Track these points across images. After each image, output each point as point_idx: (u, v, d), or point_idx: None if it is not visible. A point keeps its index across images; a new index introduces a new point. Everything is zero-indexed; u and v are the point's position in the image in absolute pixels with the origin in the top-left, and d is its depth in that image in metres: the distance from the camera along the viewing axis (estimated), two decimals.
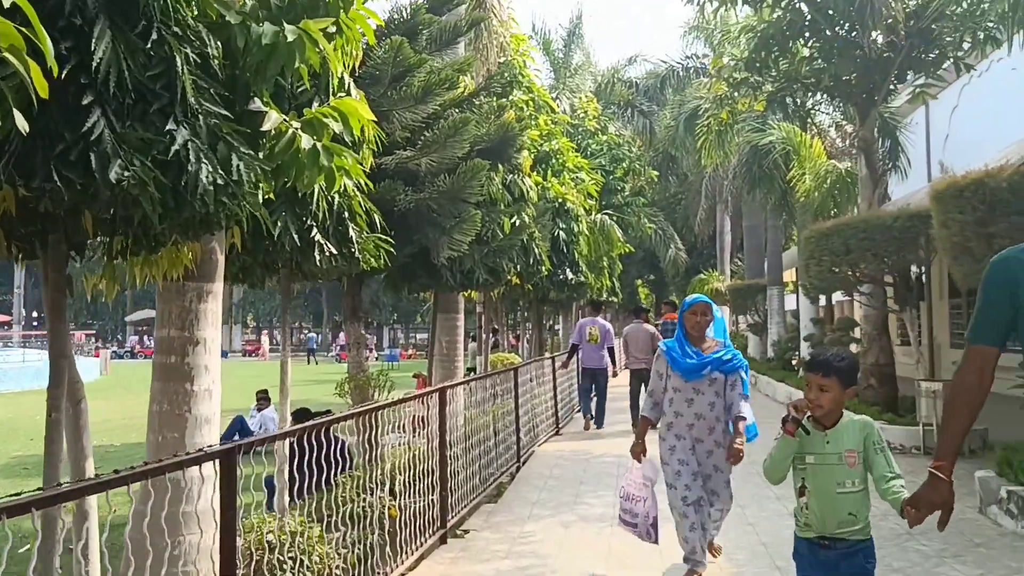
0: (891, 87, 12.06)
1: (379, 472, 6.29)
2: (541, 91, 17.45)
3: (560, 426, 13.53)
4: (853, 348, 13.93)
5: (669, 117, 23.63)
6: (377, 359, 45.18)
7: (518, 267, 12.52)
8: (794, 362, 19.58)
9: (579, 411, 15.19)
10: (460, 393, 9.25)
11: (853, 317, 14.46)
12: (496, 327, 22.20)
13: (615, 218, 22.70)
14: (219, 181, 4.13)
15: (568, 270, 16.60)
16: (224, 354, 41.09)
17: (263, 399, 14.69)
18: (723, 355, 5.63)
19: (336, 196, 6.65)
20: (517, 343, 23.00)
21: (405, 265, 9.64)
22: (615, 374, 14.00)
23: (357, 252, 6.90)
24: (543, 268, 13.29)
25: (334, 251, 6.64)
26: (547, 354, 17.91)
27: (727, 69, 12.84)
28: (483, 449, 8.71)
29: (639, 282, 48.66)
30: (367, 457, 6.33)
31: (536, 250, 13.07)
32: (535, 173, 16.25)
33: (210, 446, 4.61)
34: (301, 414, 9.48)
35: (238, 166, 4.29)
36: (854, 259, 10.32)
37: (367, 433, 6.28)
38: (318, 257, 6.52)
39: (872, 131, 12.50)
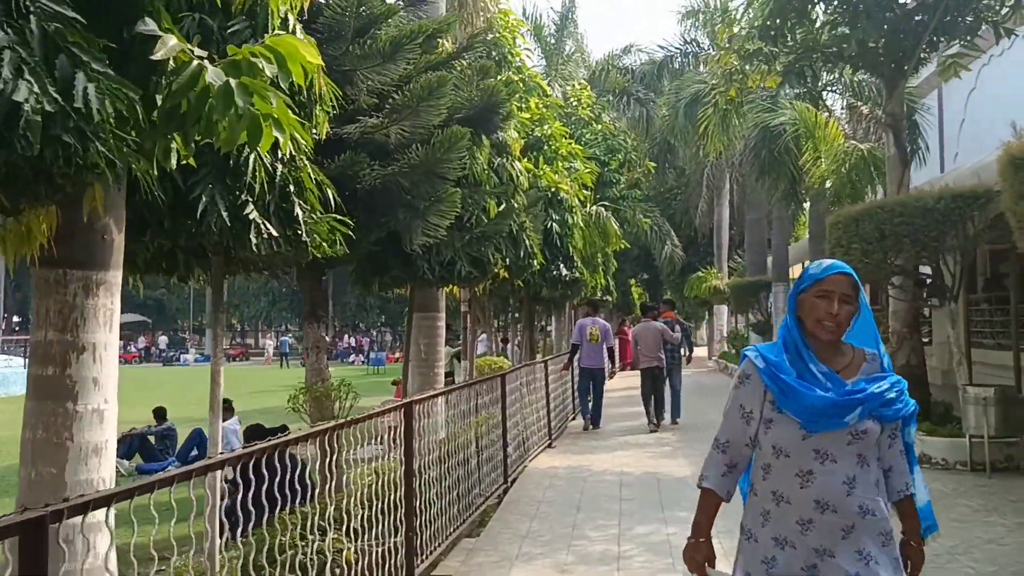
0: (922, 55, 10.76)
1: (332, 508, 4.96)
2: (532, 72, 16.12)
3: (553, 437, 12.20)
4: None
5: (667, 105, 22.31)
6: (364, 363, 43.73)
7: (507, 260, 11.22)
8: None
9: (573, 419, 14.30)
10: (440, 405, 7.93)
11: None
12: (498, 329, 20.92)
13: (611, 211, 21.40)
14: (48, 107, 2.80)
15: (562, 265, 15.27)
16: (207, 359, 39.65)
17: (226, 409, 13.28)
18: (883, 386, 2.70)
19: (279, 166, 5.35)
20: (507, 346, 21.64)
21: (374, 255, 8.32)
22: (613, 375, 13.65)
23: (305, 235, 5.56)
24: (535, 262, 11.97)
25: (275, 233, 5.29)
26: (539, 357, 16.60)
27: (739, 39, 11.51)
28: (464, 471, 7.37)
29: (632, 281, 47.38)
30: (329, 486, 5.03)
31: (527, 241, 11.76)
32: (526, 160, 14.93)
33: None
34: (255, 432, 8.13)
35: (86, 90, 2.95)
36: (889, 246, 9.02)
37: (328, 458, 4.97)
38: (254, 240, 5.16)
39: (901, 105, 11.22)
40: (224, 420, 13.00)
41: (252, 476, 4.00)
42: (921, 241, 8.81)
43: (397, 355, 52.39)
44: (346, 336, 59.73)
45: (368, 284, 8.82)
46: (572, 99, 23.03)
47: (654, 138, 26.38)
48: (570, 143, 16.59)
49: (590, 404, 13.52)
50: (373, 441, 5.52)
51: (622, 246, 25.61)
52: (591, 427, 13.37)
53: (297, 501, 4.55)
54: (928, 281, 9.88)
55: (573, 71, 26.68)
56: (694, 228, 30.96)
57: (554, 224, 15.08)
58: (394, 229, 7.33)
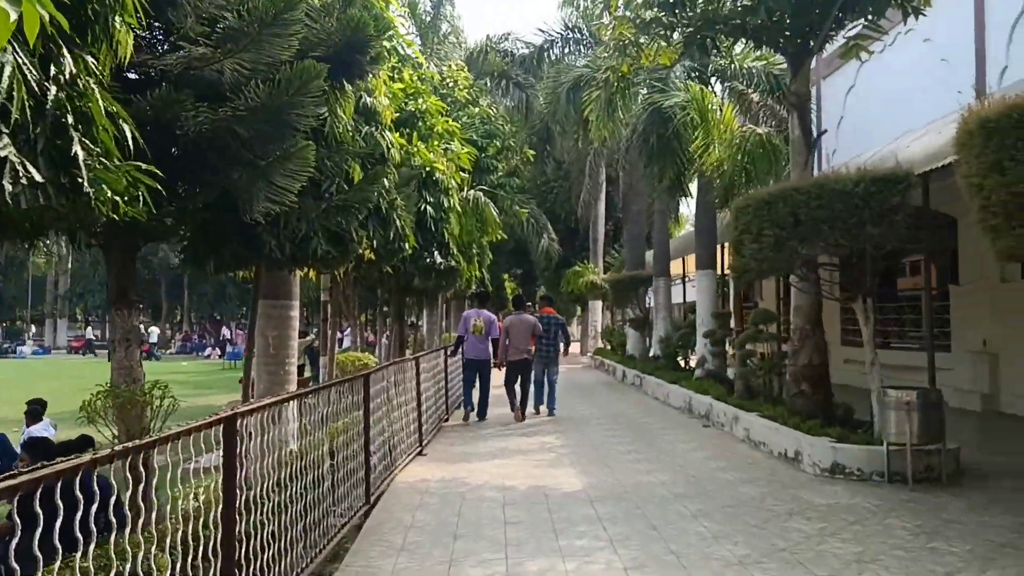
0: (831, 31, 9.98)
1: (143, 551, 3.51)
2: (407, 40, 14.67)
3: (425, 443, 10.83)
4: (775, 347, 11.89)
5: (548, 90, 21.26)
6: (221, 357, 40.96)
7: (374, 240, 9.79)
8: (690, 362, 17.58)
9: (445, 420, 12.92)
10: (291, 411, 6.47)
11: (769, 309, 12.43)
12: (366, 322, 19.32)
13: (489, 198, 20.19)
14: None
15: (436, 252, 13.91)
16: (46, 351, 36.18)
17: (31, 413, 11.22)
18: None
19: (52, 87, 3.86)
20: (375, 341, 20.07)
21: (208, 226, 6.75)
22: (498, 366, 13.57)
23: (88, 185, 4.03)
24: (406, 246, 10.57)
25: (38, 178, 3.76)
26: (408, 353, 15.19)
27: (635, 6, 10.45)
28: (318, 494, 5.93)
29: (506, 275, 46.45)
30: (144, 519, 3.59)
31: (398, 222, 10.35)
32: (398, 135, 13.48)
33: None
34: (37, 447, 6.38)
35: None
36: (805, 232, 8.11)
37: (138, 487, 3.52)
38: (8, 186, 3.62)
39: (807, 84, 10.43)
40: (31, 424, 11.06)
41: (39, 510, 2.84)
42: (839, 227, 7.93)
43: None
44: (224, 328, 55.72)
45: (201, 263, 7.21)
46: (448, 79, 21.66)
47: (533, 125, 25.31)
48: (447, 121, 15.23)
49: (475, 396, 13.52)
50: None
51: (500, 236, 24.49)
52: (477, 419, 13.39)
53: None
54: (839, 273, 9.06)
55: (449, 52, 25.30)
56: (573, 221, 30.15)
57: (428, 207, 13.72)
58: (228, 191, 5.80)
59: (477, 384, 13.53)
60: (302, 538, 5.59)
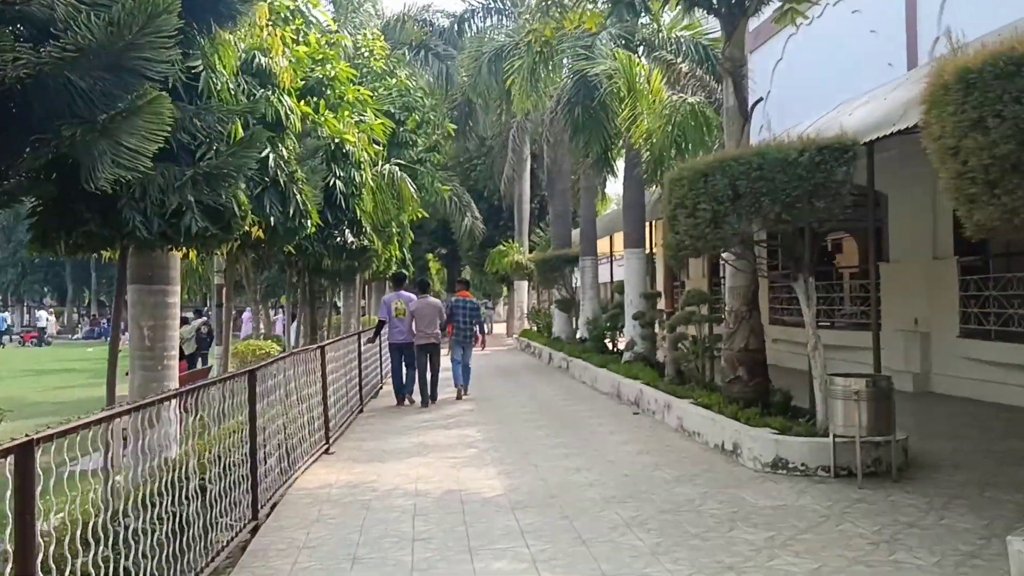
0: None
1: None
2: (314, 1, 13.50)
3: (333, 439, 9.88)
4: (707, 330, 11.23)
5: (469, 60, 20.25)
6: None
7: (271, 217, 8.78)
8: (619, 345, 16.93)
9: (360, 411, 12.28)
10: (171, 412, 5.50)
11: (701, 289, 11.77)
12: (276, 305, 18.12)
13: (407, 174, 19.14)
14: None
15: (347, 231, 12.87)
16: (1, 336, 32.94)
17: None
18: None
19: None
20: (288, 326, 18.86)
21: (58, 198, 5.69)
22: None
23: None
24: (309, 223, 9.53)
25: None
26: (327, 338, 14.15)
27: None
28: (188, 514, 4.96)
29: (431, 256, 45.34)
30: None
31: (299, 197, 9.34)
32: (303, 103, 12.38)
33: None
34: None
35: None
36: (745, 206, 7.39)
37: None
38: None
39: (742, 49, 9.71)
40: None
41: None
42: (782, 201, 7.22)
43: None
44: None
45: (50, 242, 6.11)
46: (363, 49, 20.45)
47: (454, 99, 24.24)
48: (358, 89, 14.13)
49: (406, 381, 13.35)
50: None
51: (419, 214, 23.43)
52: (406, 404, 13.30)
53: None
54: (777, 251, 8.39)
55: (365, 21, 24.03)
56: (497, 199, 29.24)
57: (338, 182, 12.64)
58: (65, 153, 4.74)
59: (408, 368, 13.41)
60: (170, 565, 4.65)
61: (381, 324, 13.73)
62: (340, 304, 23.86)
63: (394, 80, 20.44)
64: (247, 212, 6.46)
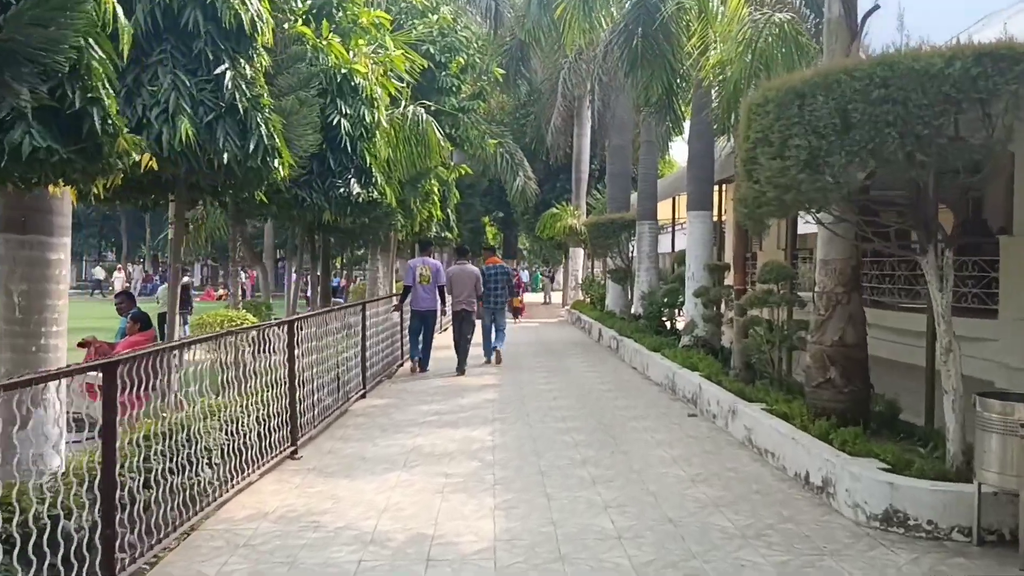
0: None
1: None
2: None
3: (304, 437, 7.87)
4: (785, 314, 8.86)
5: None
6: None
7: (224, 153, 6.74)
8: (676, 323, 14.61)
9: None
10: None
11: (783, 263, 9.31)
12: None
13: (442, 123, 16.95)
14: None
15: (353, 180, 10.75)
16: None
17: None
18: None
19: None
20: (300, 288, 16.97)
21: None
22: (444, 313, 13.55)
23: None
24: (276, 163, 7.43)
25: None
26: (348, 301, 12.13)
27: None
28: None
29: (487, 219, 43.15)
30: None
31: (263, 129, 7.23)
32: (301, 24, 10.29)
33: None
34: None
35: None
36: (861, 141, 5.03)
37: None
38: None
39: None
40: None
41: None
42: (918, 133, 4.84)
43: (221, 292, 46.19)
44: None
45: None
46: None
47: (503, 42, 21.84)
48: (374, 12, 11.95)
49: (420, 347, 13.07)
50: None
51: (462, 170, 21.31)
52: (418, 370, 13.02)
53: None
54: (898, 212, 6.02)
55: None
56: (553, 158, 26.83)
57: (343, 120, 10.52)
58: None
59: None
60: None
61: (407, 290, 13.07)
62: (365, 271, 21.92)
63: (436, 17, 18.19)
64: (118, 127, 4.37)
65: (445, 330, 18.66)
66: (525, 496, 6.09)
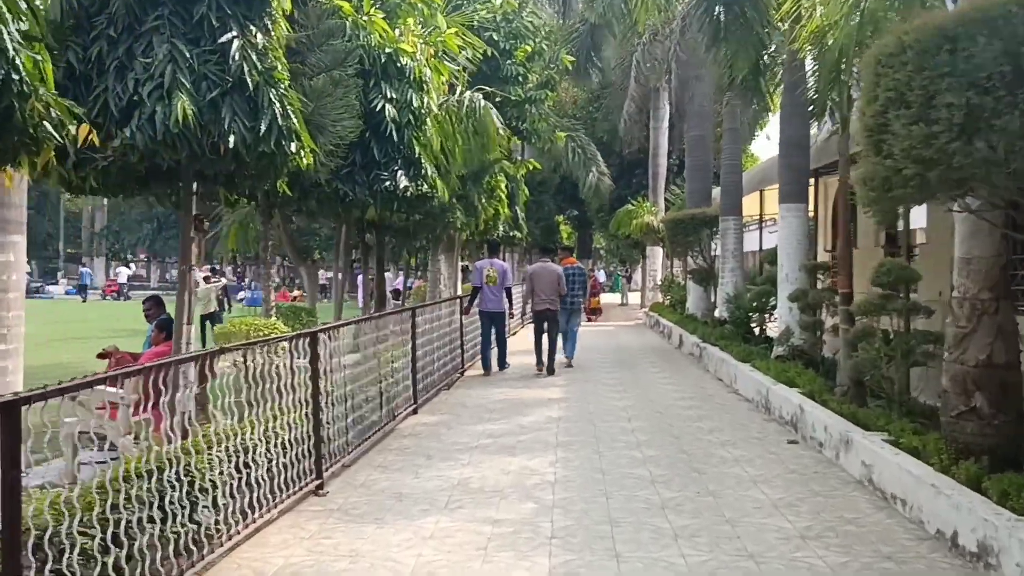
0: None
1: None
2: None
3: (331, 468, 6.76)
4: (902, 323, 7.37)
5: None
6: (241, 301, 37.33)
7: (231, 135, 5.69)
8: (767, 329, 13.13)
9: (414, 410, 9.14)
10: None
11: (906, 265, 7.77)
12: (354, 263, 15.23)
13: (507, 114, 15.79)
14: None
15: (400, 173, 9.64)
16: (79, 291, 33.47)
17: None
18: None
19: None
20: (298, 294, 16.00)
21: None
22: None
23: None
24: (293, 147, 6.33)
25: None
26: (397, 305, 11.04)
27: None
28: None
29: (560, 218, 41.81)
30: None
31: (277, 107, 6.14)
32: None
33: None
34: None
35: None
36: None
37: None
38: None
39: None
40: None
41: None
42: None
43: (296, 293, 45.96)
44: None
45: None
46: None
47: (572, 28, 20.52)
48: None
49: (493, 351, 13.09)
50: None
51: (531, 165, 20.12)
52: (496, 369, 12.99)
53: None
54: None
55: None
56: (629, 149, 25.39)
57: (388, 106, 9.42)
58: None
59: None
60: None
61: (475, 291, 12.86)
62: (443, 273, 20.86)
63: (499, 2, 17.04)
64: (31, 86, 3.25)
65: (514, 334, 17.56)
66: (588, 556, 4.82)
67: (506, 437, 8.23)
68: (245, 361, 5.88)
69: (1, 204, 4.42)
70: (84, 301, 43.48)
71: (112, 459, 4.76)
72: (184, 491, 4.64)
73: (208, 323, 16.53)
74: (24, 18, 3.46)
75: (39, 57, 3.58)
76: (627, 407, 9.87)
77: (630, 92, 21.24)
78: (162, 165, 6.12)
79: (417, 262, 33.00)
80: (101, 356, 8.51)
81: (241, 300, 38.66)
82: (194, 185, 6.74)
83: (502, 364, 13.12)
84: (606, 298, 37.91)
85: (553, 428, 8.65)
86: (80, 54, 5.92)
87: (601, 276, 50.03)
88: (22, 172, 3.82)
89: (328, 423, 6.71)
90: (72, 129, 3.73)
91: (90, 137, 4.01)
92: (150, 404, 5.29)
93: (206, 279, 15.97)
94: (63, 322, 26.44)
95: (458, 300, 13.18)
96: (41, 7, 3.87)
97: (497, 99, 14.56)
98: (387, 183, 9.50)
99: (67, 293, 49.19)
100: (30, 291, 49.10)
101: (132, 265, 57.88)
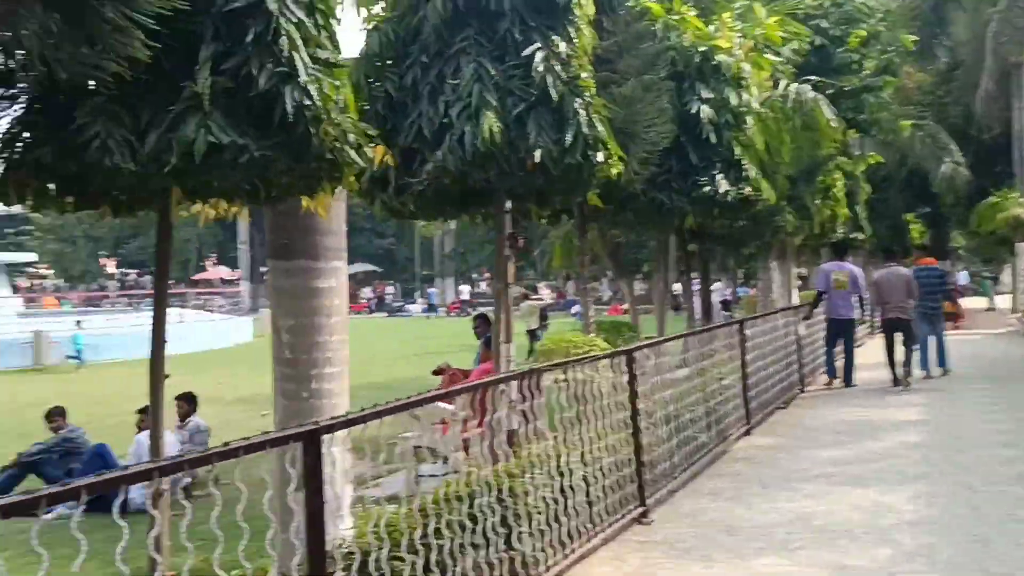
0: None
1: None
2: None
3: (660, 490, 6.33)
4: None
5: None
6: (575, 315, 38.09)
7: (536, 149, 5.59)
8: None
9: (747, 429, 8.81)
10: None
11: None
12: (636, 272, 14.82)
13: (842, 106, 14.47)
14: None
15: (719, 176, 9.03)
16: (430, 310, 36.92)
17: (185, 404, 8.75)
18: None
19: None
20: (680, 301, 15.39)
21: None
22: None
23: None
24: (599, 156, 6.03)
25: None
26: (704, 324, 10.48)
27: None
28: None
29: (909, 216, 37.92)
30: None
31: (582, 115, 5.91)
32: None
33: None
34: None
35: None
36: None
37: None
38: None
39: None
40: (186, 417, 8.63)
41: None
42: None
43: (625, 306, 46.27)
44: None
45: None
46: None
47: (913, 6, 18.41)
48: None
49: (837, 360, 12.15)
50: None
51: (832, 149, 18.32)
52: (841, 384, 11.98)
53: None
54: None
55: None
56: (988, 133, 22.34)
57: (703, 107, 8.89)
58: None
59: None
60: None
61: (819, 296, 12.20)
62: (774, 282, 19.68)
63: None
64: (322, 109, 3.18)
65: (859, 344, 16.07)
66: None
67: (854, 465, 7.26)
68: (566, 379, 5.70)
69: (322, 232, 4.55)
70: (429, 319, 47.53)
71: (445, 475, 4.79)
72: (503, 515, 4.49)
73: (530, 339, 16.98)
74: (321, 46, 3.49)
75: (337, 83, 3.59)
76: (1005, 431, 8.34)
77: (986, 69, 18.59)
78: (474, 185, 6.14)
79: (750, 271, 31.70)
80: (436, 373, 8.87)
81: (575, 314, 39.65)
82: (507, 203, 6.72)
83: (848, 380, 11.95)
84: (970, 302, 33.74)
85: (911, 455, 7.51)
86: (396, 83, 6.12)
87: (962, 278, 44.77)
88: (323, 199, 3.85)
89: (652, 445, 6.30)
90: (369, 152, 3.72)
91: (385, 158, 4.01)
92: (475, 422, 5.25)
93: (525, 296, 16.45)
94: (414, 339, 28.73)
95: (794, 310, 12.20)
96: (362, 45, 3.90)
97: (828, 90, 13.36)
98: (706, 188, 8.94)
99: (423, 311, 54.31)
100: (392, 310, 55.09)
101: (480, 284, 62.08)
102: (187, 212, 4.11)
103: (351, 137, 3.49)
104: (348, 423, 3.22)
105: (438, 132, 5.82)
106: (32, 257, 37.91)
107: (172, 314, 30.55)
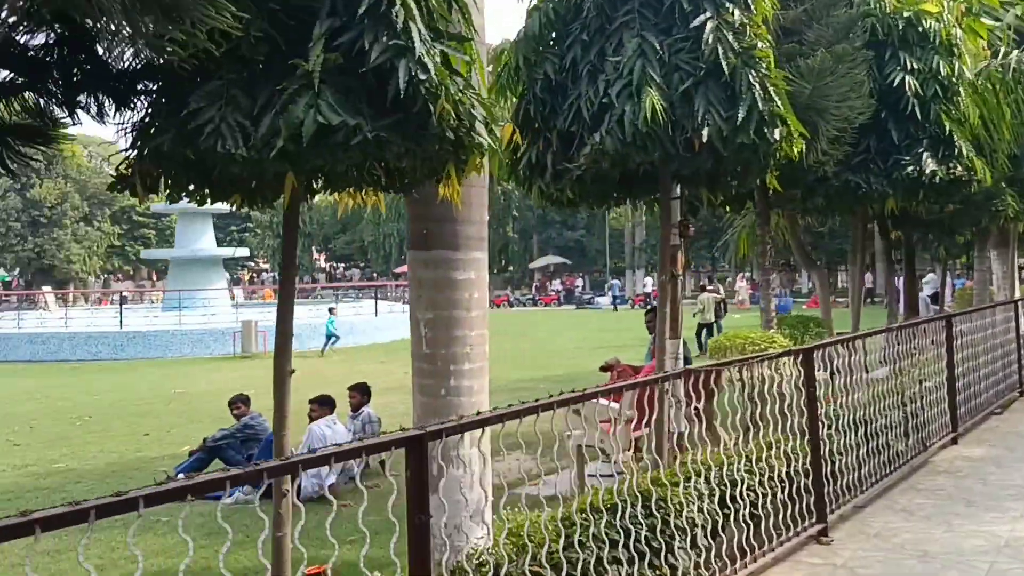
0: None
1: None
2: None
3: (843, 504, 5.69)
4: None
5: None
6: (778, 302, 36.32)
7: (704, 128, 5.18)
8: None
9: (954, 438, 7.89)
10: None
11: None
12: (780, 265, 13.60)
13: None
14: None
15: (926, 155, 8.07)
16: (623, 301, 36.87)
17: (358, 395, 8.91)
18: None
19: None
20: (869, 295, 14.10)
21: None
22: None
23: None
24: (776, 134, 5.44)
25: None
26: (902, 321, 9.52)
27: None
28: None
29: None
30: None
31: (758, 89, 5.39)
32: None
33: None
34: None
35: None
36: None
37: None
38: None
39: None
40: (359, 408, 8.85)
41: None
42: None
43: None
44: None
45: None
46: None
47: None
48: None
49: None
50: None
51: None
52: None
53: None
54: None
55: None
56: None
57: (909, 79, 7.97)
58: None
59: None
60: None
61: None
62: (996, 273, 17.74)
63: None
64: (438, 84, 2.90)
65: None
66: None
67: None
68: (740, 379, 5.23)
69: (460, 221, 4.33)
70: (615, 310, 46.89)
71: (617, 473, 4.50)
72: (652, 526, 4.13)
73: (704, 333, 16.17)
74: (447, 18, 3.25)
75: (465, 57, 3.34)
76: None
77: None
78: (636, 169, 5.74)
79: (968, 261, 28.98)
80: (604, 369, 8.52)
81: (781, 307, 37.71)
82: (676, 188, 6.25)
83: None
84: None
85: None
86: (556, 64, 5.82)
87: None
88: (454, 185, 3.60)
89: (836, 454, 5.67)
90: (497, 131, 3.44)
91: (514, 137, 3.71)
92: (643, 421, 4.91)
93: (703, 288, 15.69)
94: (599, 332, 28.37)
95: (1016, 304, 10.85)
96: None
97: None
98: (909, 168, 8.01)
99: (610, 304, 53.96)
100: (581, 302, 55.04)
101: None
102: (307, 201, 4.01)
103: (478, 116, 3.23)
104: (457, 429, 2.95)
105: (598, 113, 5.46)
106: (245, 252, 40.65)
107: (366, 306, 31.84)
